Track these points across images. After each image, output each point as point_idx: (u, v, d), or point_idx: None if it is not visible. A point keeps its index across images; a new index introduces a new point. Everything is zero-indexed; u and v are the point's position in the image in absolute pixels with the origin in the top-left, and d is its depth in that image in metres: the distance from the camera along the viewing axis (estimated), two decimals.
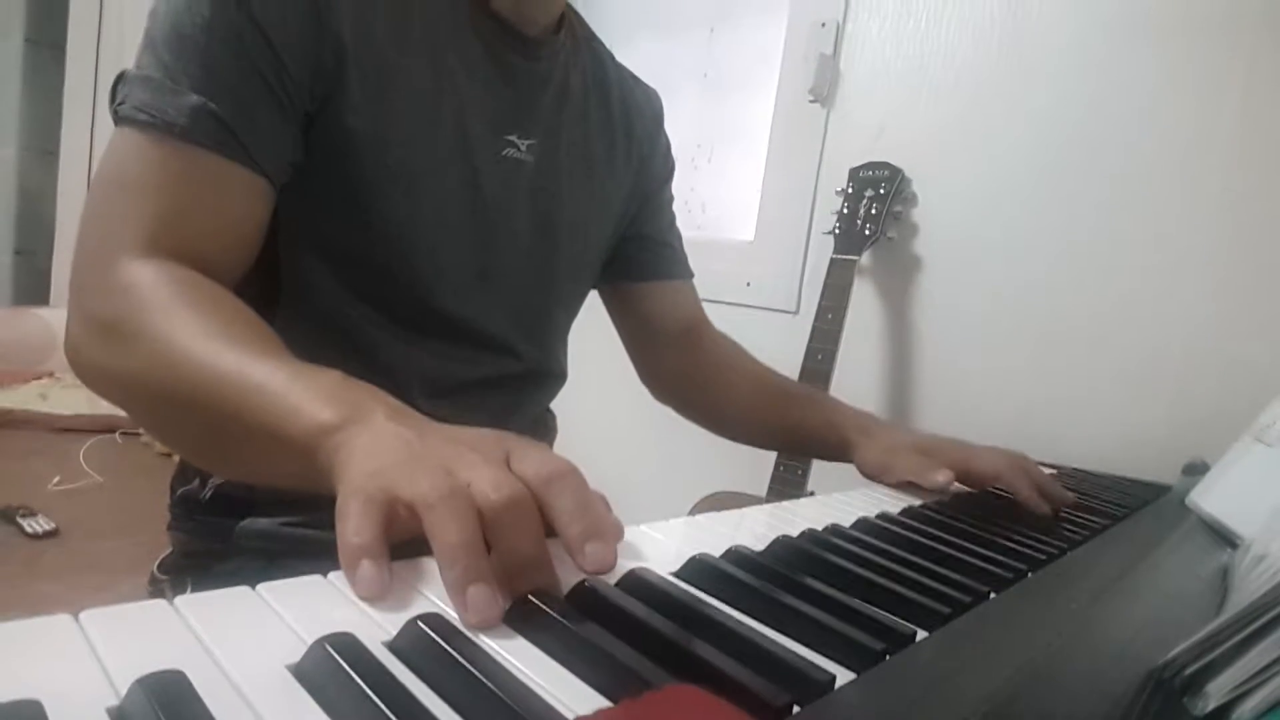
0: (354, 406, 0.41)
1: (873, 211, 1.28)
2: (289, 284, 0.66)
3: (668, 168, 0.92)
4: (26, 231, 3.07)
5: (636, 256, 0.89)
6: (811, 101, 1.46)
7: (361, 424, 0.40)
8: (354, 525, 0.33)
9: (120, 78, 0.55)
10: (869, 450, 0.76)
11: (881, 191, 1.28)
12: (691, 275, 0.96)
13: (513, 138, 0.70)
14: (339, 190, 0.63)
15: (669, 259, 0.92)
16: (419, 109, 0.64)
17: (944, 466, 0.69)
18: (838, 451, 0.80)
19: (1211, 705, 0.29)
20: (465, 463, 0.35)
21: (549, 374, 0.83)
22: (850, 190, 1.31)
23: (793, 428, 0.86)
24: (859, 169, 1.32)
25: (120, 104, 0.54)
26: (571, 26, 0.76)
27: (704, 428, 0.95)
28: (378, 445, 0.38)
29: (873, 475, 0.75)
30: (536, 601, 0.31)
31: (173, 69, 0.53)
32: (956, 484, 0.69)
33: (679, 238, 0.95)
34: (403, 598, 0.32)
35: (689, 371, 0.93)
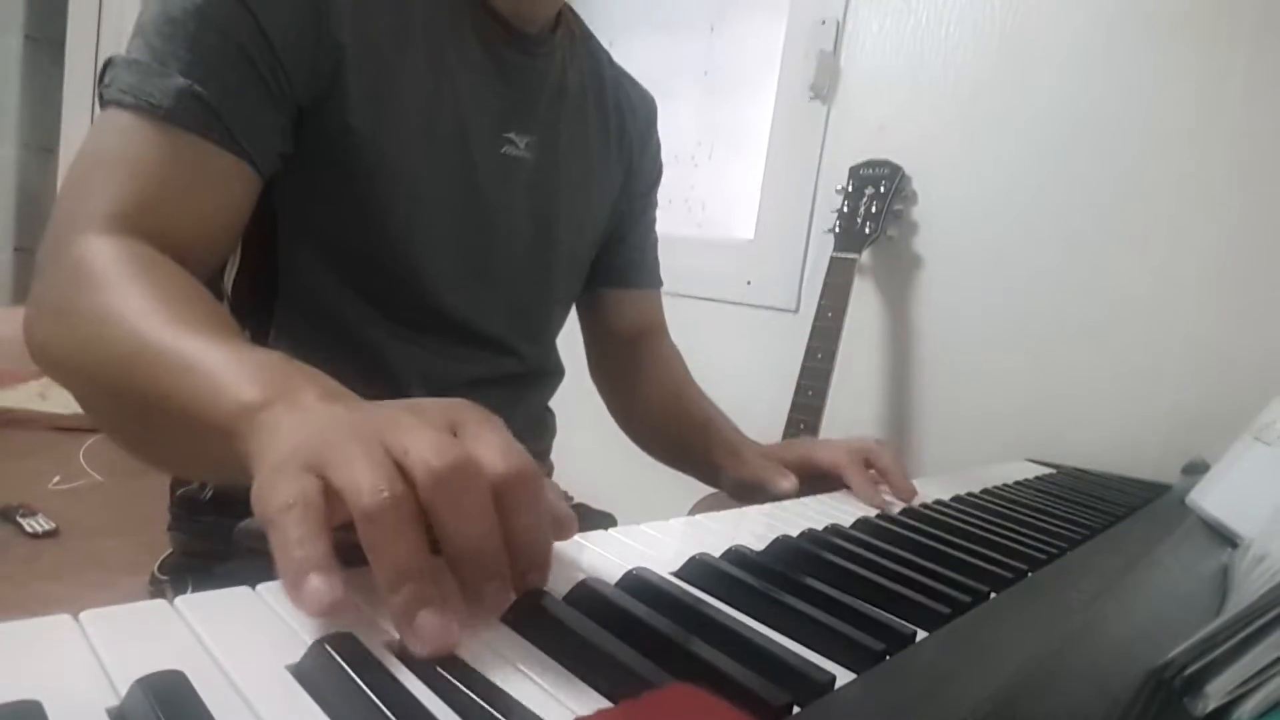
0: (283, 386, 0.37)
1: (873, 209, 1.28)
2: (288, 282, 0.66)
3: (656, 170, 0.93)
4: (26, 229, 3.07)
5: (610, 262, 0.89)
6: (812, 99, 1.46)
7: (288, 403, 0.36)
8: (296, 533, 0.27)
9: (109, 62, 0.55)
10: (727, 472, 0.78)
11: (882, 189, 1.28)
12: (659, 284, 0.96)
13: (511, 135, 0.70)
14: (338, 188, 0.63)
15: (639, 266, 0.92)
16: (418, 107, 0.64)
17: (784, 469, 0.71)
18: (712, 478, 0.82)
19: (1211, 706, 0.29)
20: (403, 427, 0.30)
21: (547, 372, 0.83)
22: (850, 188, 1.31)
23: (679, 450, 0.88)
24: (859, 167, 1.32)
25: (106, 87, 0.53)
26: (569, 25, 0.76)
27: (622, 430, 0.96)
28: (305, 424, 0.34)
29: (735, 495, 0.76)
30: (536, 601, 0.31)
31: (160, 52, 0.53)
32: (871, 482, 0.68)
33: (655, 244, 0.96)
34: None
35: (620, 374, 0.94)
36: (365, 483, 0.28)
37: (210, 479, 0.67)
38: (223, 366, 0.39)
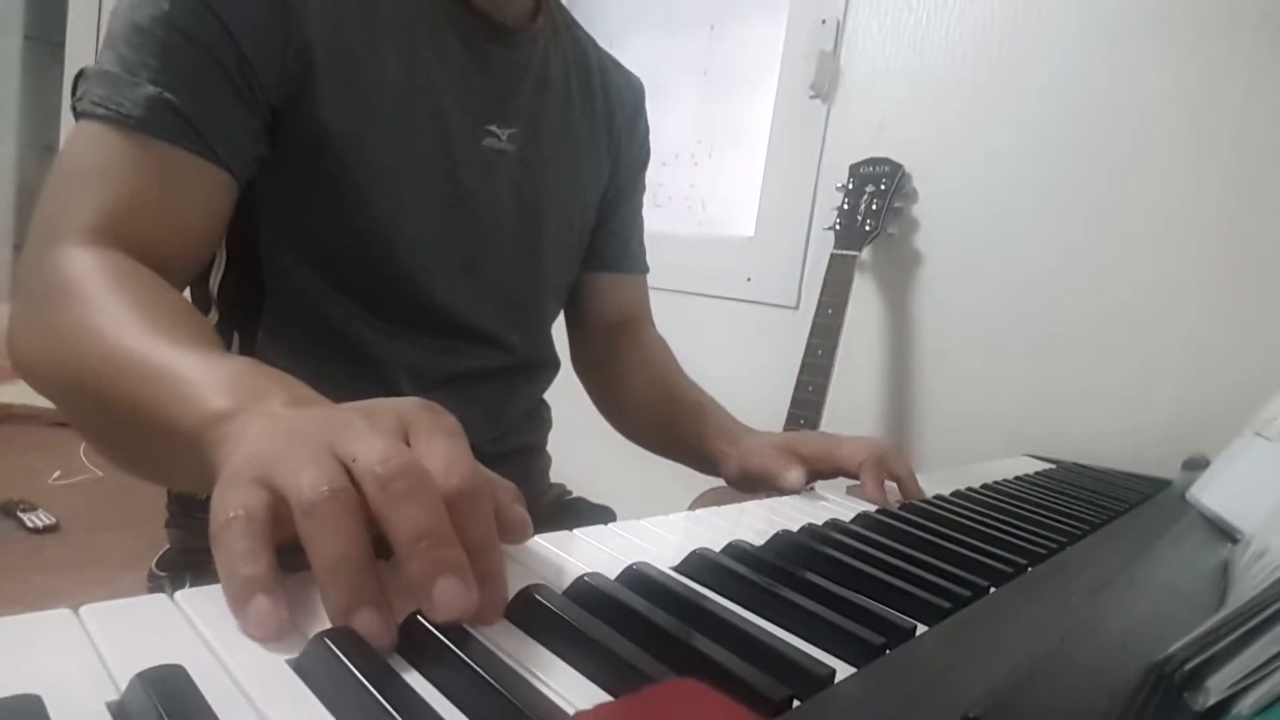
0: (251, 394, 0.36)
1: (873, 207, 1.28)
2: (274, 284, 0.66)
3: (644, 154, 0.91)
4: (26, 228, 3.07)
5: (592, 245, 0.87)
6: (812, 98, 1.46)
7: (254, 412, 0.35)
8: (238, 548, 0.28)
9: (80, 74, 0.54)
10: (731, 460, 0.74)
11: (882, 187, 1.28)
12: (645, 270, 0.94)
13: (493, 128, 0.69)
14: (318, 188, 0.62)
15: (622, 251, 0.91)
16: (394, 103, 0.63)
17: (800, 461, 0.68)
18: (707, 464, 0.79)
19: (1212, 700, 0.29)
20: (354, 433, 0.31)
21: (541, 364, 0.82)
22: (851, 186, 1.31)
23: (671, 437, 0.85)
24: (859, 165, 1.32)
25: (79, 100, 0.53)
26: (550, 13, 0.75)
27: (607, 421, 0.94)
28: (266, 433, 0.33)
29: (738, 486, 0.73)
30: (538, 597, 0.31)
31: (130, 62, 0.53)
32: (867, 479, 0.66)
33: (641, 229, 0.94)
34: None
35: (605, 362, 0.92)
36: (306, 481, 0.28)
37: (187, 488, 0.67)
38: (193, 375, 0.39)
